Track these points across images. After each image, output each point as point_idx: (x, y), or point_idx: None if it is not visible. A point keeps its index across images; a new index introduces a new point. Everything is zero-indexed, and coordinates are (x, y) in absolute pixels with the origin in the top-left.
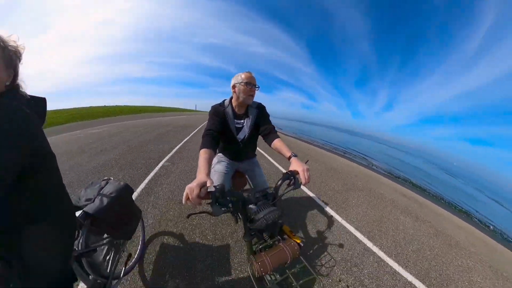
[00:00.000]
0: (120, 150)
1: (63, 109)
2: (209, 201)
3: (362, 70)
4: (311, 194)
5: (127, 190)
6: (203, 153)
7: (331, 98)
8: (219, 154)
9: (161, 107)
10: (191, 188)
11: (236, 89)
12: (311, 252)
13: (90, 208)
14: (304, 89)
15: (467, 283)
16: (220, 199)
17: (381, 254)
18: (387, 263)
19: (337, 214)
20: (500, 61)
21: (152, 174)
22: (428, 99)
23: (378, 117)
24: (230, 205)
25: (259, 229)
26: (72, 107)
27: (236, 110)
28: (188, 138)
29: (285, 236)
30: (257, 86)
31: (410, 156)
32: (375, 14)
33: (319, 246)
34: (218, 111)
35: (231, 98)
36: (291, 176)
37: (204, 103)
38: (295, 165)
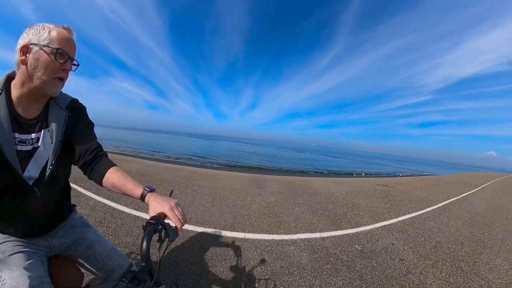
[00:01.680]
0: None
1: None
2: None
3: (229, 67)
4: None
5: None
6: None
7: (189, 96)
8: None
9: None
10: None
11: (31, 57)
12: None
13: None
14: (151, 81)
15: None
16: None
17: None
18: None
19: (229, 230)
20: (338, 76)
21: None
22: (287, 99)
23: (242, 117)
24: None
25: None
26: None
27: (20, 108)
28: None
29: None
30: (76, 61)
31: (264, 147)
32: (258, 18)
33: (246, 280)
34: None
35: (10, 76)
36: (158, 225)
37: None
38: (157, 204)
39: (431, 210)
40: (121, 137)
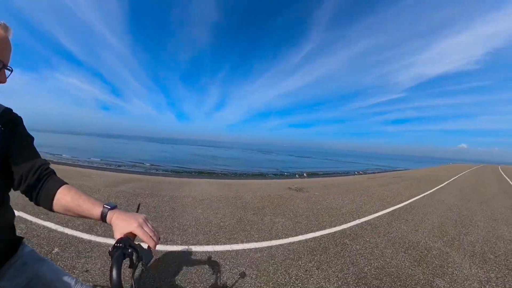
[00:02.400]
0: None
1: None
2: None
3: (194, 62)
4: None
5: None
6: None
7: (148, 95)
8: None
9: None
10: None
11: None
12: None
13: None
14: (106, 77)
15: None
16: None
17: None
18: None
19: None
20: (312, 73)
21: None
22: (258, 97)
23: (209, 117)
24: None
25: None
26: None
27: None
28: None
29: None
30: (9, 67)
31: (228, 150)
32: (227, 8)
33: None
34: None
35: None
36: (127, 248)
37: None
38: (122, 223)
39: (299, 241)
40: (64, 143)
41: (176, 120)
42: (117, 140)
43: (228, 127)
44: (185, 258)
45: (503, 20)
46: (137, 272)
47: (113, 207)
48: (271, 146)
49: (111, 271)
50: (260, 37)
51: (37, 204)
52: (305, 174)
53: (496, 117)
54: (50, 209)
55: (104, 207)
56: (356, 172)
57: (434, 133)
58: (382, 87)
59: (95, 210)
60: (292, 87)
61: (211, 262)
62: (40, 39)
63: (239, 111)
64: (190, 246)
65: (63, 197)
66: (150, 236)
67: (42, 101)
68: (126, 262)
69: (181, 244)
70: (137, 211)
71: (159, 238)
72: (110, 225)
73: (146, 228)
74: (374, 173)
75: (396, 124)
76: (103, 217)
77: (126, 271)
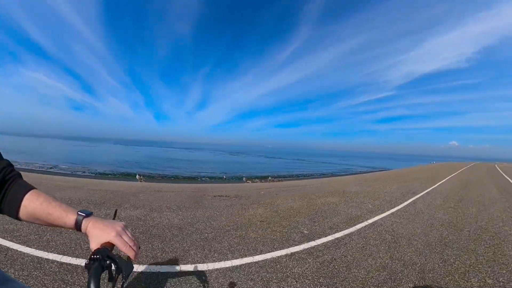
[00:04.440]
0: None
1: None
2: None
3: (174, 58)
4: None
5: None
6: None
7: (125, 93)
8: None
9: None
10: None
11: None
12: None
13: None
14: (77, 73)
15: None
16: None
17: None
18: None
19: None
20: (299, 71)
21: None
22: (243, 96)
23: (190, 117)
24: None
25: None
26: None
27: None
28: None
29: None
30: None
31: (193, 152)
32: (212, 2)
33: None
34: None
35: None
36: (105, 260)
37: None
38: (99, 233)
39: None
40: (15, 147)
41: (154, 120)
42: (81, 142)
43: (211, 128)
44: None
45: (493, 19)
46: (118, 285)
47: (89, 214)
48: (251, 147)
49: (88, 285)
50: (245, 32)
51: (0, 212)
52: (141, 178)
53: (486, 114)
54: (15, 216)
55: (78, 214)
56: (245, 179)
57: (425, 131)
58: (372, 84)
59: (68, 218)
60: (278, 86)
61: None
62: (3, 29)
63: (223, 111)
64: None
65: (31, 204)
66: (130, 246)
67: (3, 99)
68: (105, 275)
69: None
70: (113, 218)
71: (139, 247)
72: (86, 234)
73: (125, 237)
74: (287, 179)
75: (386, 122)
76: (77, 226)
77: (104, 284)
